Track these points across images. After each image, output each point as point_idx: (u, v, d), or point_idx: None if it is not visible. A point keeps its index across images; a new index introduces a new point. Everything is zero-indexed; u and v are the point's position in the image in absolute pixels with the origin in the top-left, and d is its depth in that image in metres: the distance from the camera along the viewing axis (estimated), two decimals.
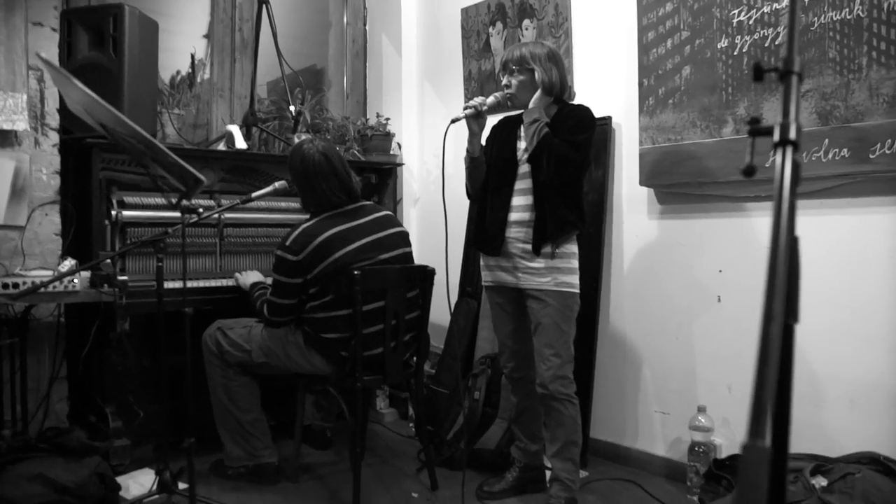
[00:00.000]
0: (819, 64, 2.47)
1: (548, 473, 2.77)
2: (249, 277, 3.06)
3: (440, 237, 2.79)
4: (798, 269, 0.83)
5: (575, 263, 2.61)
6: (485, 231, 2.70)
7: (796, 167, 0.80)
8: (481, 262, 2.80)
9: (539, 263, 2.57)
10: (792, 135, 0.81)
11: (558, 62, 2.61)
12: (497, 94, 2.64)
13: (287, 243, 2.66)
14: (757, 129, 0.87)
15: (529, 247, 2.57)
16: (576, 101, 2.68)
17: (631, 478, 2.99)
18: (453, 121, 2.60)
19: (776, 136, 0.82)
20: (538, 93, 2.57)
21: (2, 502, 2.41)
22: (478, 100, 2.61)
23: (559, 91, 2.60)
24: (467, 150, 2.67)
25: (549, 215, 2.54)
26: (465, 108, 2.60)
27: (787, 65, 0.86)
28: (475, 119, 2.61)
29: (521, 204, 2.61)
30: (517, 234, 2.60)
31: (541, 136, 2.49)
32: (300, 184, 2.76)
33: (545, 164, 2.49)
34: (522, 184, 2.61)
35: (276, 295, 2.72)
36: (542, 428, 2.74)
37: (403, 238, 2.90)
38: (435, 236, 3.97)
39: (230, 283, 3.10)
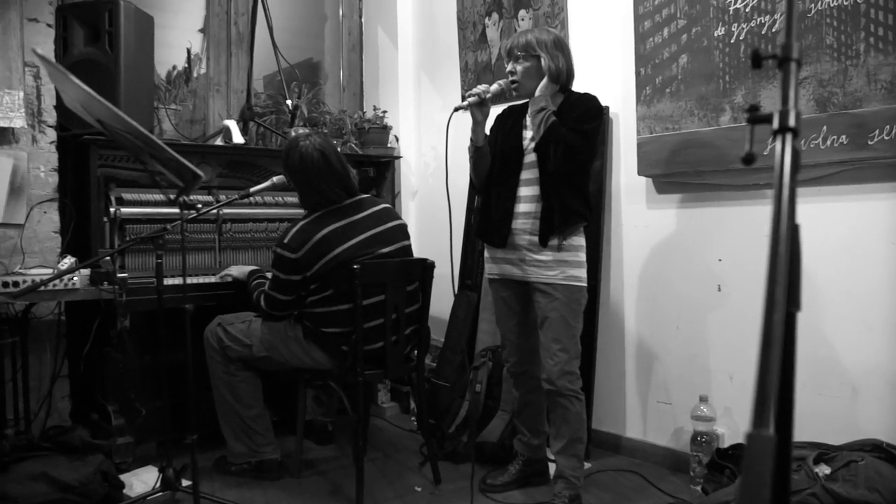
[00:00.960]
0: (816, 51, 2.46)
1: (551, 467, 2.76)
2: (245, 267, 3.07)
3: (438, 230, 2.78)
4: (799, 257, 0.82)
5: (583, 256, 2.56)
6: (490, 222, 2.65)
7: (796, 154, 0.79)
8: (486, 255, 2.76)
9: (546, 256, 2.52)
10: (791, 122, 0.81)
11: (564, 49, 2.55)
12: (501, 81, 2.58)
13: (286, 241, 2.65)
14: (756, 116, 0.87)
15: (536, 238, 2.52)
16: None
17: (634, 468, 3.00)
18: (456, 109, 2.53)
19: (775, 124, 0.82)
20: (544, 80, 2.51)
21: (6, 501, 2.42)
22: (481, 87, 2.54)
23: (565, 79, 2.55)
24: (471, 140, 2.61)
25: (555, 206, 2.49)
26: (469, 96, 2.54)
27: (785, 51, 0.85)
28: (479, 107, 2.54)
29: (527, 195, 2.56)
30: (524, 225, 2.55)
31: (548, 124, 2.43)
32: (298, 182, 2.74)
33: (552, 154, 2.43)
34: (528, 174, 2.56)
35: (274, 290, 2.71)
36: (545, 422, 2.72)
37: (402, 231, 2.89)
38: (434, 229, 3.97)
39: (229, 280, 3.09)
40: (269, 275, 2.86)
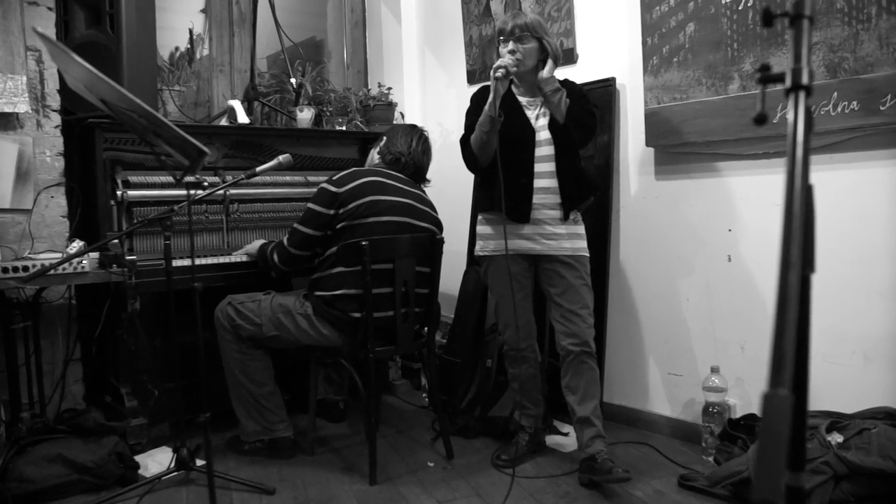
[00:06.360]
0: (827, 15, 2.41)
1: (564, 435, 2.75)
2: (255, 243, 3.11)
3: (446, 206, 2.77)
4: (813, 218, 0.81)
5: (584, 228, 2.72)
6: (512, 199, 2.64)
7: (809, 113, 0.78)
8: (489, 231, 2.77)
9: (562, 229, 2.65)
10: (804, 80, 0.79)
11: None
12: (507, 58, 2.53)
13: (334, 178, 2.80)
14: (768, 76, 0.85)
15: (557, 213, 2.64)
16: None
17: (645, 441, 3.00)
18: (497, 78, 2.47)
19: (788, 82, 0.80)
20: (550, 63, 2.57)
21: (24, 483, 2.45)
22: (509, 59, 2.52)
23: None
24: (489, 115, 2.53)
25: (573, 180, 2.63)
26: (499, 68, 2.48)
27: (797, 8, 0.83)
28: (503, 80, 2.51)
29: (543, 171, 2.64)
30: (544, 200, 2.64)
31: (567, 105, 2.54)
32: (389, 131, 3.09)
33: (575, 133, 2.57)
34: (542, 151, 2.63)
35: (301, 224, 2.79)
36: (542, 388, 2.90)
37: (436, 223, 2.97)
38: (441, 205, 3.94)
39: (238, 259, 3.09)
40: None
